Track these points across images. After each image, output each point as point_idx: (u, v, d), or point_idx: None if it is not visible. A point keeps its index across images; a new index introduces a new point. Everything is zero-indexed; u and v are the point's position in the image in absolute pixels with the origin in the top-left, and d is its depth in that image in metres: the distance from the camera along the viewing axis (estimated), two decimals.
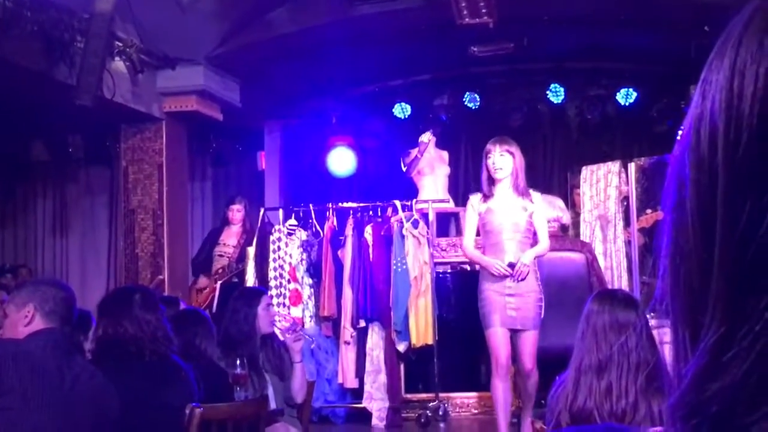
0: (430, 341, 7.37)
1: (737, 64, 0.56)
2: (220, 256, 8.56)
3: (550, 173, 8.42)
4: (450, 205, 8.62)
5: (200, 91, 8.31)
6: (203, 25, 7.63)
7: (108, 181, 9.35)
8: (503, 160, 5.92)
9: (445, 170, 8.70)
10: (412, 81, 9.06)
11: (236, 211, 8.48)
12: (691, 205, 0.58)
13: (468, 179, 9.19)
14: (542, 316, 5.95)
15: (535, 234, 6.05)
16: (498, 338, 5.88)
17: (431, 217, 7.65)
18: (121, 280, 8.53)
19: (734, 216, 0.54)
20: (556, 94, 8.84)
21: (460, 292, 7.89)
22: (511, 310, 5.88)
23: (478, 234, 6.19)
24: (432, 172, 8.54)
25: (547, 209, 6.71)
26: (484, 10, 7.08)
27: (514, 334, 5.93)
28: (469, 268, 7.80)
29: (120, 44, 7.63)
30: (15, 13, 6.41)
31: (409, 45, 8.05)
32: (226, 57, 8.16)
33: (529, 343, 5.94)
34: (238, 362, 4.93)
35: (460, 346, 7.83)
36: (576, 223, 7.91)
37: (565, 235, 6.99)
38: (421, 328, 7.37)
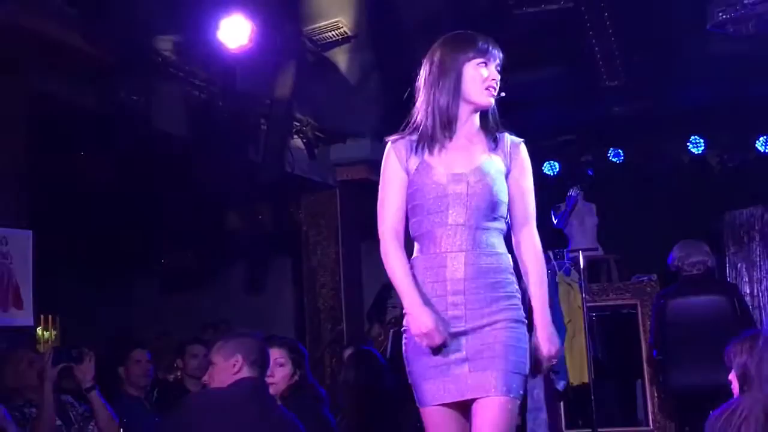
0: (586, 380, 7.68)
1: None
2: (393, 306, 9.27)
3: (692, 221, 8.72)
4: (599, 253, 9.08)
5: (369, 161, 8.93)
6: (369, 104, 8.26)
7: (292, 243, 10.24)
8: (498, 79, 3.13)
9: (593, 221, 9.22)
10: (560, 141, 9.57)
11: None
12: None
13: (616, 226, 9.52)
14: (528, 367, 2.99)
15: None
16: (436, 423, 2.95)
17: (582, 264, 7.89)
18: (306, 331, 9.43)
19: None
20: (696, 145, 9.21)
21: (613, 333, 8.26)
22: (458, 363, 2.91)
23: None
24: (581, 224, 9.10)
25: (692, 252, 6.68)
26: (622, 74, 7.56)
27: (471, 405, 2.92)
28: (625, 311, 8.20)
29: (298, 123, 8.40)
30: (209, 104, 7.17)
31: (555, 109, 8.58)
32: (390, 130, 8.89)
33: (488, 421, 2.85)
34: None
35: (615, 383, 8.17)
36: (721, 266, 8.18)
37: (711, 278, 7.24)
38: (577, 368, 7.72)
